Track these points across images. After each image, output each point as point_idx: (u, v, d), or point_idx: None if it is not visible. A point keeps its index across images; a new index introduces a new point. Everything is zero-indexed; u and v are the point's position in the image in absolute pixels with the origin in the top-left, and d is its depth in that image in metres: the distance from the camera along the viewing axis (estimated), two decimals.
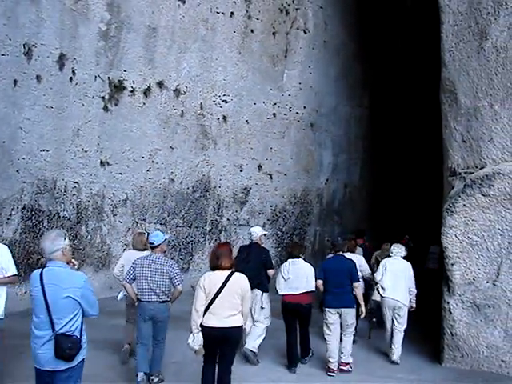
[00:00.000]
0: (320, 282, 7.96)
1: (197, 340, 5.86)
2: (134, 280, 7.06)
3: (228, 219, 15.48)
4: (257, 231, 8.62)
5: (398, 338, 8.66)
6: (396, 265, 8.80)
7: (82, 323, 4.70)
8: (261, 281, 8.18)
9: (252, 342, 8.12)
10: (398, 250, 9.01)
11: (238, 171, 15.58)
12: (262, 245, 8.76)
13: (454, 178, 8.67)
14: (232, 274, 5.94)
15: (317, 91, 16.63)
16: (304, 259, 8.29)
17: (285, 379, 7.76)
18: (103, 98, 12.86)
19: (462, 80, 8.69)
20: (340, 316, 7.88)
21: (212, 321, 5.86)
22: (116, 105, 13.17)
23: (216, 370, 6.10)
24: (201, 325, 5.91)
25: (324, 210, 17.11)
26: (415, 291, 8.75)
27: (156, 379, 7.06)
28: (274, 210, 16.19)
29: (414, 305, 8.80)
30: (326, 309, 7.94)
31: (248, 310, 6.20)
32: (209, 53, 14.75)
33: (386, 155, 18.67)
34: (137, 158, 13.61)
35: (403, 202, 19.20)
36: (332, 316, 7.88)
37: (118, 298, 8.29)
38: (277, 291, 8.19)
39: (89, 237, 12.77)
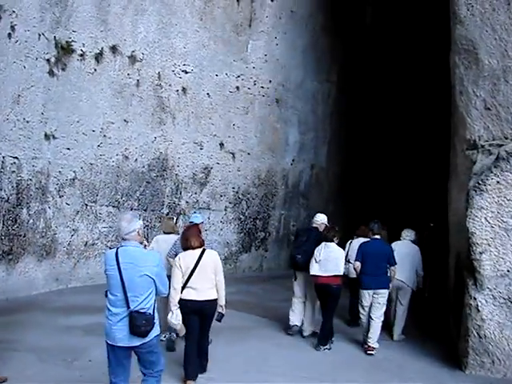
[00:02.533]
0: (358, 263, 8.09)
1: (176, 316, 6.02)
2: (176, 255, 7.11)
3: (187, 202, 13.63)
4: (321, 218, 8.79)
5: (400, 315, 8.75)
6: (403, 248, 8.82)
7: (154, 301, 4.78)
8: None
9: (309, 327, 8.48)
10: (408, 234, 9.16)
11: (197, 149, 13.74)
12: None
13: (475, 152, 7.12)
14: (204, 251, 6.25)
15: (283, 64, 14.91)
16: (337, 243, 8.23)
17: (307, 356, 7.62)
18: (48, 60, 10.74)
19: (486, 37, 7.13)
20: (373, 296, 7.97)
21: (191, 295, 6.12)
22: (63, 69, 11.08)
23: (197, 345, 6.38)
24: (180, 300, 6.11)
25: (290, 193, 15.44)
26: (422, 273, 8.90)
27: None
28: (237, 193, 14.43)
29: (421, 285, 9.09)
30: (363, 290, 8.05)
31: (222, 281, 6.35)
32: (168, 17, 12.80)
33: (355, 134, 17.12)
34: (86, 132, 11.56)
35: (375, 184, 17.83)
36: (368, 297, 7.99)
37: None
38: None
39: (31, 221, 10.64)
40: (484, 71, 7.12)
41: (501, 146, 6.79)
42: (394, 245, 8.76)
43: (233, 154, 14.27)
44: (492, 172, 6.53)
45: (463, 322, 6.86)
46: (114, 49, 11.92)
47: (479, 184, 6.57)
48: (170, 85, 13.02)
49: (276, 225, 15.12)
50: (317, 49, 15.59)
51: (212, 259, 6.27)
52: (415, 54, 18.26)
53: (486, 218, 6.53)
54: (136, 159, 12.52)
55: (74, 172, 11.42)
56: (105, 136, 11.90)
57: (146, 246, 4.98)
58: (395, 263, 8.06)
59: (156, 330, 4.77)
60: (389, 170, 18.43)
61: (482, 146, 7.04)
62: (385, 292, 7.97)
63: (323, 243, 8.14)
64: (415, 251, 8.89)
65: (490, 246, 6.50)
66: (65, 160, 11.24)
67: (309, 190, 15.89)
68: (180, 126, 13.34)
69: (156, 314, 4.77)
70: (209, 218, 13.98)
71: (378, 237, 8.32)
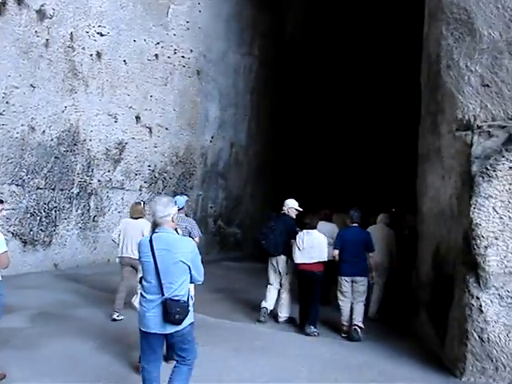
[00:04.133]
0: (336, 251, 7.95)
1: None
2: None
3: (99, 180, 11.93)
4: (288, 203, 8.57)
5: (375, 295, 8.96)
6: (379, 231, 9.03)
7: (189, 289, 4.54)
8: (286, 248, 8.25)
9: (284, 313, 8.40)
10: (382, 218, 9.42)
11: (112, 122, 12.04)
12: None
13: (469, 133, 6.26)
14: None
15: (206, 33, 13.49)
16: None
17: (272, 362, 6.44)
18: None
19: (485, 5, 6.21)
20: (353, 284, 7.90)
21: None
22: None
23: None
24: None
25: (208, 172, 14.10)
26: (395, 256, 9.13)
27: None
28: (153, 171, 12.90)
29: (395, 264, 9.19)
30: (341, 277, 7.95)
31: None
32: None
33: (279, 112, 15.97)
34: None
35: (309, 165, 16.88)
36: (346, 284, 7.90)
37: (117, 260, 8.45)
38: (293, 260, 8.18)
39: None
40: (482, 43, 6.23)
41: (504, 127, 5.96)
42: (371, 228, 8.85)
43: (149, 128, 12.71)
44: (503, 156, 5.68)
45: (460, 324, 5.99)
46: (19, 0, 9.96)
47: (487, 169, 5.70)
48: (83, 48, 11.21)
49: (193, 207, 13.75)
50: (240, 20, 14.33)
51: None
52: (349, 23, 17.56)
53: (494, 208, 5.66)
54: (43, 131, 10.64)
55: None
56: (7, 103, 9.95)
57: (178, 233, 4.90)
58: (373, 250, 8.09)
59: (190, 318, 4.53)
60: (326, 150, 17.64)
61: (479, 127, 6.15)
62: (364, 279, 7.94)
63: (304, 231, 8.02)
64: (390, 234, 9.23)
65: (497, 239, 5.64)
66: None
67: (227, 169, 14.64)
68: (93, 95, 11.59)
69: (190, 302, 4.53)
70: (122, 199, 12.39)
71: (356, 224, 8.13)
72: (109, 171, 12.08)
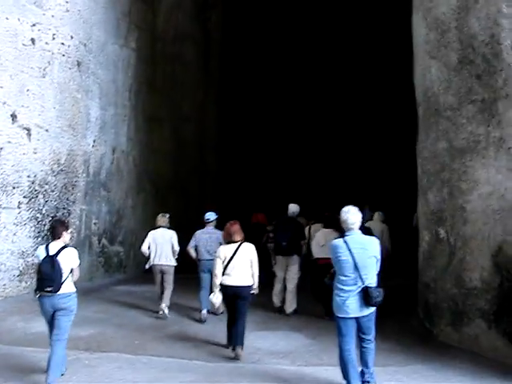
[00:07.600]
0: None
1: (217, 296, 6.65)
2: (196, 246, 8.64)
3: None
4: (294, 209, 9.24)
5: None
6: (376, 226, 9.95)
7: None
8: (298, 248, 8.98)
9: (290, 308, 8.80)
10: (377, 217, 10.61)
11: None
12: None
13: None
14: (241, 244, 6.72)
15: (85, 19, 10.95)
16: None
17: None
18: None
19: None
20: None
21: (228, 281, 6.60)
22: None
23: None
24: (221, 284, 6.63)
25: (91, 183, 11.35)
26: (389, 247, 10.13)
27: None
28: (33, 183, 9.97)
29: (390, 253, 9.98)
30: None
31: (257, 270, 6.68)
32: None
33: (155, 114, 13.66)
34: None
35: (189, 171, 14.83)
36: None
37: (146, 267, 8.87)
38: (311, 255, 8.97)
39: None
40: None
41: None
42: (369, 224, 9.58)
43: (28, 130, 9.83)
44: None
45: None
46: None
47: None
48: None
49: (77, 224, 10.99)
50: (116, 7, 11.99)
51: (247, 251, 6.67)
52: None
53: None
54: None
55: None
56: None
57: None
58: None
59: None
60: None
61: None
62: None
63: (324, 230, 8.82)
64: (385, 229, 10.37)
65: None
66: None
67: (110, 179, 12.03)
68: None
69: None
70: None
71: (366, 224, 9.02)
72: None
